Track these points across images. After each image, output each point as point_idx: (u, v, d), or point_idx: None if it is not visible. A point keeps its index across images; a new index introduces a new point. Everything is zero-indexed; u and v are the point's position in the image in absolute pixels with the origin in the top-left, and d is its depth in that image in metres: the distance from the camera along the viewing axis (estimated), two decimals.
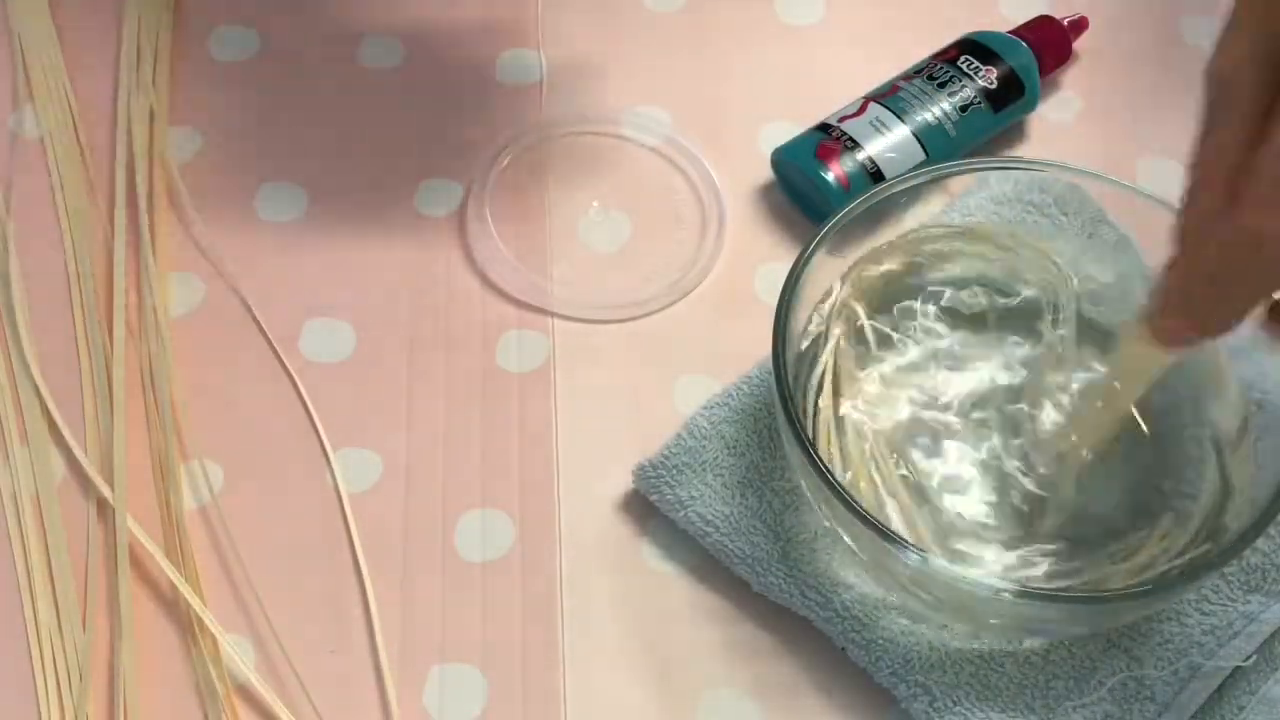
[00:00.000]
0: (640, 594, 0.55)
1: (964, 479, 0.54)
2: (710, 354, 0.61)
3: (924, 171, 0.57)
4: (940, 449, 0.55)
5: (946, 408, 0.56)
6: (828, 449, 0.54)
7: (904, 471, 0.54)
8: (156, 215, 0.64)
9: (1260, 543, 0.53)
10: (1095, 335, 0.57)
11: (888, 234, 0.57)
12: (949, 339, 0.57)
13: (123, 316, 0.60)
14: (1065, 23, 0.69)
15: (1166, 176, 0.61)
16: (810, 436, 0.51)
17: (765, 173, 0.66)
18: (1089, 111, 0.69)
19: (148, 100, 0.66)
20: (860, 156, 0.62)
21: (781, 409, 0.51)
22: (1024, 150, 0.58)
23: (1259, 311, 0.50)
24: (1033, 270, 0.58)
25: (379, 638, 0.54)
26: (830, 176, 0.62)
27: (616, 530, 0.57)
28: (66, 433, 0.58)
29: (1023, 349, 0.57)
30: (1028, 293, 0.58)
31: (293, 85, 0.68)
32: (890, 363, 0.57)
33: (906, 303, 0.58)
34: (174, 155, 0.66)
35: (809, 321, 0.56)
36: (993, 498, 0.54)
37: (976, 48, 0.65)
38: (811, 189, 0.63)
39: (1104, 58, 0.70)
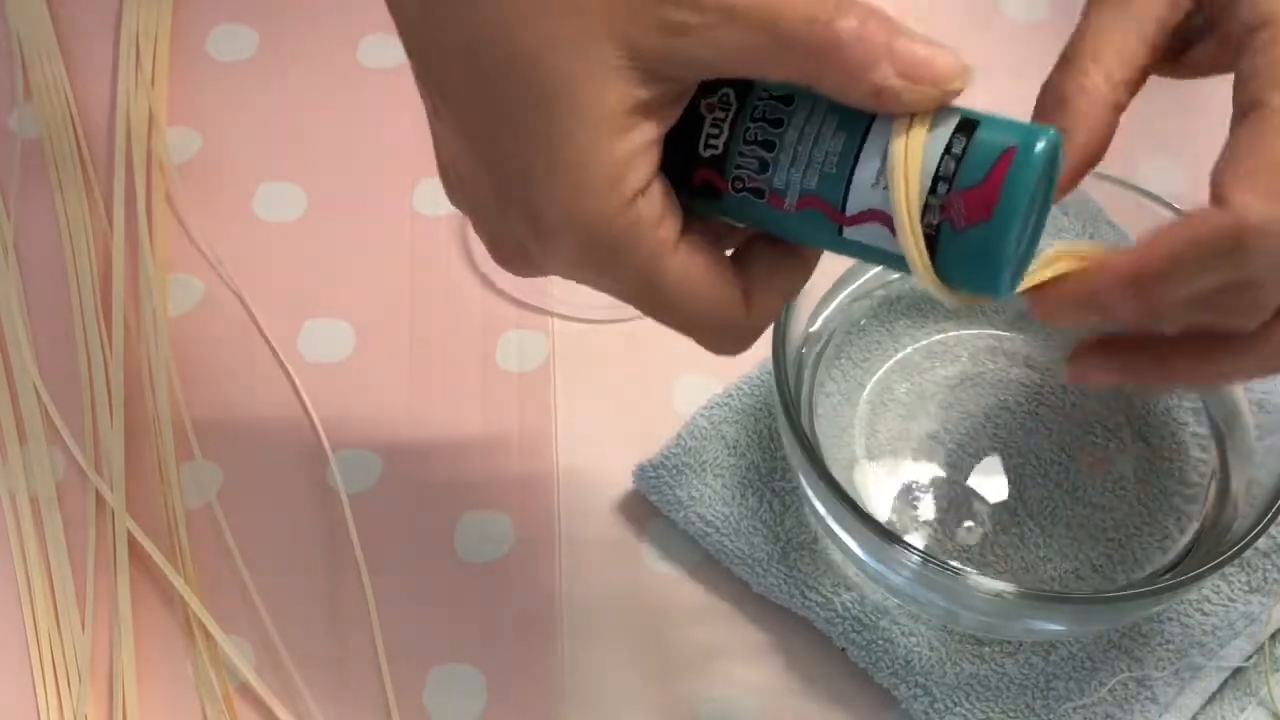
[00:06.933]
0: (640, 594, 0.55)
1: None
2: (710, 354, 0.60)
3: None
4: (939, 452, 0.55)
5: (948, 408, 0.56)
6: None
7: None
8: (155, 215, 0.64)
9: (1260, 543, 0.53)
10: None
11: None
12: (945, 336, 0.57)
13: (122, 316, 0.60)
14: None
15: (1166, 176, 0.61)
16: (812, 437, 0.51)
17: None
18: None
19: (147, 100, 0.66)
20: None
21: (781, 409, 0.51)
22: None
23: None
24: None
25: (379, 638, 0.54)
26: None
27: (616, 530, 0.57)
28: (66, 433, 0.58)
29: (1021, 340, 0.57)
30: None
31: (293, 85, 0.68)
32: (894, 362, 0.57)
33: (906, 300, 0.58)
34: (173, 155, 0.66)
35: (809, 321, 0.56)
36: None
37: None
38: None
39: None
